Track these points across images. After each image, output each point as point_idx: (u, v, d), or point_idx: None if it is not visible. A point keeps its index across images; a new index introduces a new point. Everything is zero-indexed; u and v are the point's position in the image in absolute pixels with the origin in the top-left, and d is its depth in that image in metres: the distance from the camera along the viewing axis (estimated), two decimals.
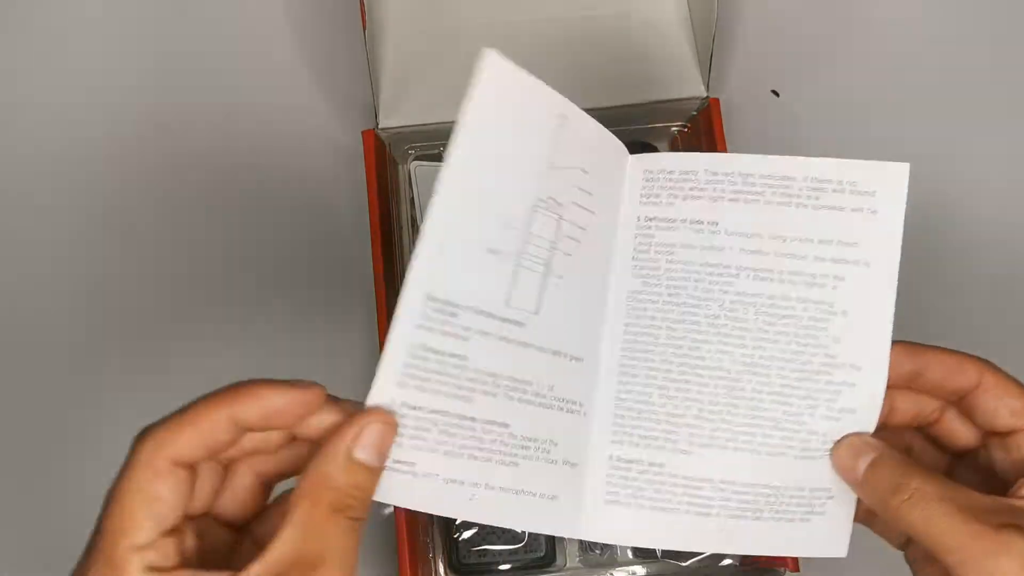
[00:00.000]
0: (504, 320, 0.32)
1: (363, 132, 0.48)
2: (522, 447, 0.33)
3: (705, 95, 0.49)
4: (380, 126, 0.48)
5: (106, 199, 0.53)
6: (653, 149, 0.51)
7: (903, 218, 0.33)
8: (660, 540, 0.37)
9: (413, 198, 0.51)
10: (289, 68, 0.54)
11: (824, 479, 0.34)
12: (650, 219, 0.36)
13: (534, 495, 0.34)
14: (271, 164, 0.53)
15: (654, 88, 0.49)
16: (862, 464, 0.33)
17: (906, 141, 0.53)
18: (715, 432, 0.34)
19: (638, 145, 0.50)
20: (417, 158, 0.51)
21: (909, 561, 0.34)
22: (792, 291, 0.34)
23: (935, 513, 0.29)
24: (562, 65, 0.49)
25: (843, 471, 0.33)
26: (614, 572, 0.46)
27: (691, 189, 0.35)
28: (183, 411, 0.28)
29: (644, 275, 0.35)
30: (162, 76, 0.54)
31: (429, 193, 0.31)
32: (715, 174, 0.35)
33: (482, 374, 0.32)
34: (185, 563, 0.27)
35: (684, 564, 0.45)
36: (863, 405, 0.33)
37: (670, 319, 0.35)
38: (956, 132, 0.54)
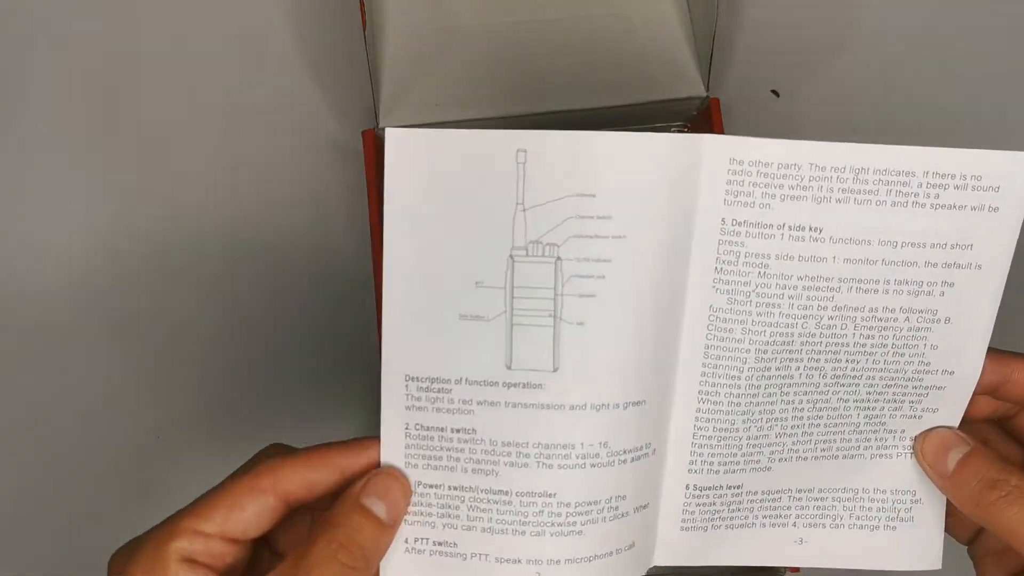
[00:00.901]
0: (510, 385, 0.30)
1: (363, 132, 0.47)
2: (581, 513, 0.31)
3: (705, 95, 0.48)
4: (380, 126, 0.48)
5: (101, 195, 0.53)
6: None
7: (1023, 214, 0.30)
8: (736, 557, 0.34)
9: None
10: (289, 68, 0.54)
11: (906, 480, 0.32)
12: (738, 223, 0.30)
13: (610, 554, 0.31)
14: (270, 163, 0.53)
15: (654, 88, 0.48)
16: (953, 458, 0.31)
17: (906, 141, 0.53)
18: (796, 445, 0.32)
19: None
20: None
21: (974, 557, 0.33)
22: (897, 302, 0.31)
23: None
24: (562, 65, 0.49)
25: (931, 464, 0.32)
26: None
27: (792, 188, 0.30)
28: (308, 452, 0.30)
29: (730, 291, 0.31)
30: (162, 76, 0.54)
31: None
32: (823, 168, 0.29)
33: (501, 445, 0.30)
34: (212, 564, 0.28)
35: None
36: (947, 405, 0.32)
37: (760, 341, 0.31)
38: (957, 132, 0.54)
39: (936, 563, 0.33)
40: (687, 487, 0.33)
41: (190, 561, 0.27)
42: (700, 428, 0.32)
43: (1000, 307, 0.31)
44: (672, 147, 0.29)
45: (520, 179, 0.29)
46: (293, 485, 0.29)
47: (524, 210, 0.29)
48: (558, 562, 0.31)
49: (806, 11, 0.56)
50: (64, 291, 0.51)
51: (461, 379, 0.30)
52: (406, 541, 0.31)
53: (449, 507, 0.30)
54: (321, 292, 0.52)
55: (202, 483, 0.30)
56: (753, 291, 0.31)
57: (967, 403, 0.32)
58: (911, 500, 0.33)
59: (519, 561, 0.30)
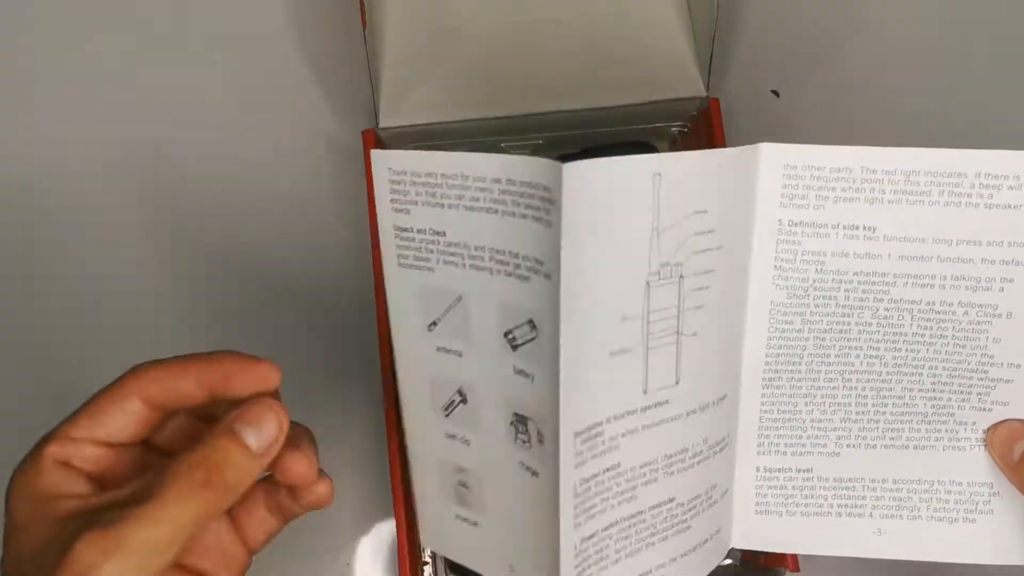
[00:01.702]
0: (646, 409, 0.30)
1: (363, 132, 0.47)
2: (690, 509, 0.32)
3: (705, 95, 0.48)
4: (380, 126, 0.48)
5: (105, 196, 0.53)
6: (653, 149, 0.51)
7: None
8: (814, 545, 0.35)
9: None
10: (289, 68, 0.54)
11: (983, 472, 0.33)
12: (795, 224, 0.32)
13: (706, 542, 0.33)
14: (271, 164, 0.53)
15: (654, 88, 0.48)
16: (1019, 448, 0.32)
17: (907, 141, 0.53)
18: (863, 432, 0.34)
19: (638, 145, 0.50)
20: None
21: None
22: (954, 296, 0.32)
23: None
24: (562, 65, 0.49)
25: (998, 454, 0.33)
26: None
27: (844, 190, 0.31)
28: (176, 359, 0.29)
29: (789, 286, 0.32)
30: (162, 76, 0.54)
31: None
32: (873, 171, 0.31)
33: (638, 469, 0.31)
34: (87, 468, 0.28)
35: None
36: (1018, 398, 0.33)
37: (817, 330, 0.33)
38: (956, 132, 0.54)
39: (1020, 558, 0.33)
40: (757, 469, 0.34)
41: (64, 464, 0.28)
42: (766, 411, 0.34)
43: None
44: (737, 157, 0.31)
45: (656, 203, 0.28)
46: (157, 390, 0.29)
47: (659, 233, 0.29)
48: (675, 560, 0.32)
49: (806, 11, 0.56)
50: (61, 313, 0.51)
51: (609, 418, 0.29)
52: None
53: (601, 551, 0.30)
54: (321, 292, 0.52)
55: None
56: (811, 286, 0.32)
57: None
58: (989, 492, 0.33)
59: (649, 572, 0.32)
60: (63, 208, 0.52)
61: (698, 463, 0.32)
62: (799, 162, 0.31)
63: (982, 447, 0.33)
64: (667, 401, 0.31)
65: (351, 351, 0.50)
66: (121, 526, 0.25)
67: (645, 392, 0.30)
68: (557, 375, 0.27)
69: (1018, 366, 0.33)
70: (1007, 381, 0.33)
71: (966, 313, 0.32)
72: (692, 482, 0.32)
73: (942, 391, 0.33)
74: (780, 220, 0.32)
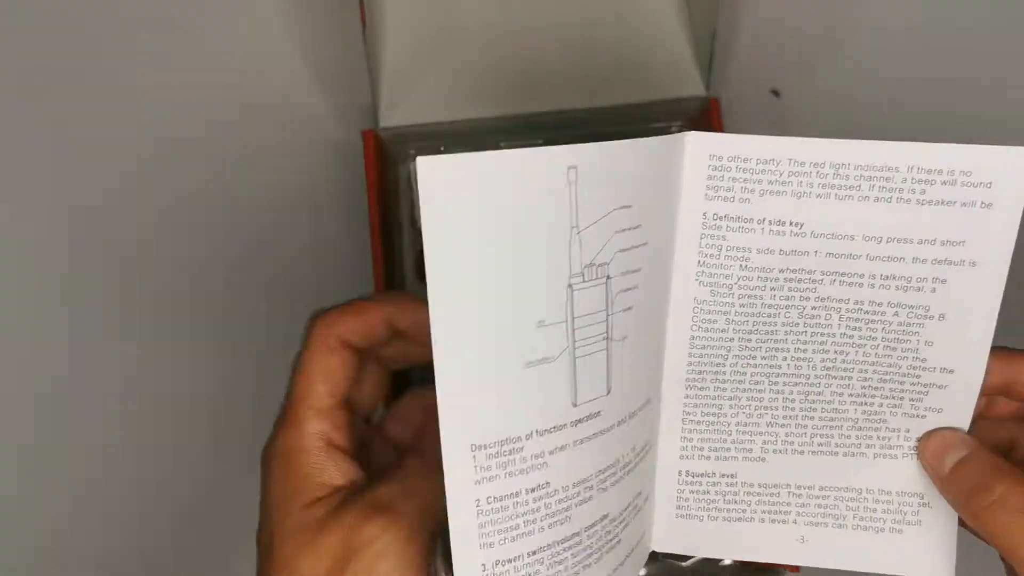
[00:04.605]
0: (577, 423, 0.28)
1: (363, 132, 0.47)
2: (621, 522, 0.31)
3: (705, 95, 0.48)
4: (380, 126, 0.48)
5: (105, 196, 0.53)
6: None
7: (1022, 211, 0.29)
8: (736, 551, 0.34)
9: (413, 198, 0.51)
10: (289, 68, 0.54)
11: (913, 482, 0.32)
12: (719, 217, 0.30)
13: (631, 552, 0.32)
14: (270, 164, 0.53)
15: (654, 88, 0.48)
16: (949, 460, 0.31)
17: (908, 140, 0.53)
18: (790, 437, 0.32)
19: None
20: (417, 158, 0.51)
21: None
22: (884, 296, 0.30)
23: (1014, 524, 0.28)
24: (562, 65, 0.49)
25: (930, 465, 0.32)
26: None
27: (771, 183, 0.29)
28: (350, 303, 0.32)
29: (713, 283, 0.31)
30: (162, 76, 0.54)
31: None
32: (801, 164, 0.29)
33: (571, 489, 0.28)
34: (345, 444, 0.31)
35: (684, 564, 0.45)
36: (953, 405, 0.31)
37: (742, 330, 0.31)
38: (957, 132, 0.54)
39: (947, 572, 0.32)
40: (680, 473, 0.33)
41: (327, 443, 0.31)
42: (688, 414, 0.32)
43: (1004, 306, 0.31)
44: (662, 147, 0.29)
45: (573, 199, 0.26)
46: (353, 334, 0.31)
47: (579, 232, 0.27)
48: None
49: (806, 11, 0.56)
50: (60, 298, 0.51)
51: (531, 432, 0.27)
52: None
53: (532, 572, 0.28)
54: (321, 292, 0.52)
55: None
56: (735, 283, 0.31)
57: (974, 403, 0.31)
58: (919, 503, 0.32)
59: None
60: (61, 208, 0.52)
61: (627, 473, 0.30)
62: (725, 152, 0.29)
63: (914, 456, 0.32)
64: (599, 413, 0.28)
65: None
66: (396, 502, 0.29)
67: (575, 405, 0.28)
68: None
69: (951, 371, 0.31)
70: (940, 387, 0.31)
71: (896, 314, 0.31)
72: (622, 494, 0.30)
73: (873, 396, 0.32)
74: (705, 213, 0.30)
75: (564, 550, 0.29)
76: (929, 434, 0.32)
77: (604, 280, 0.28)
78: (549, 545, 0.28)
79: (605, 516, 0.30)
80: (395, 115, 0.48)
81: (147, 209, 0.52)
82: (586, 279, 0.27)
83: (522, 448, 0.27)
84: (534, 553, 0.28)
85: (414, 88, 0.48)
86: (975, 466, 0.30)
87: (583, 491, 0.29)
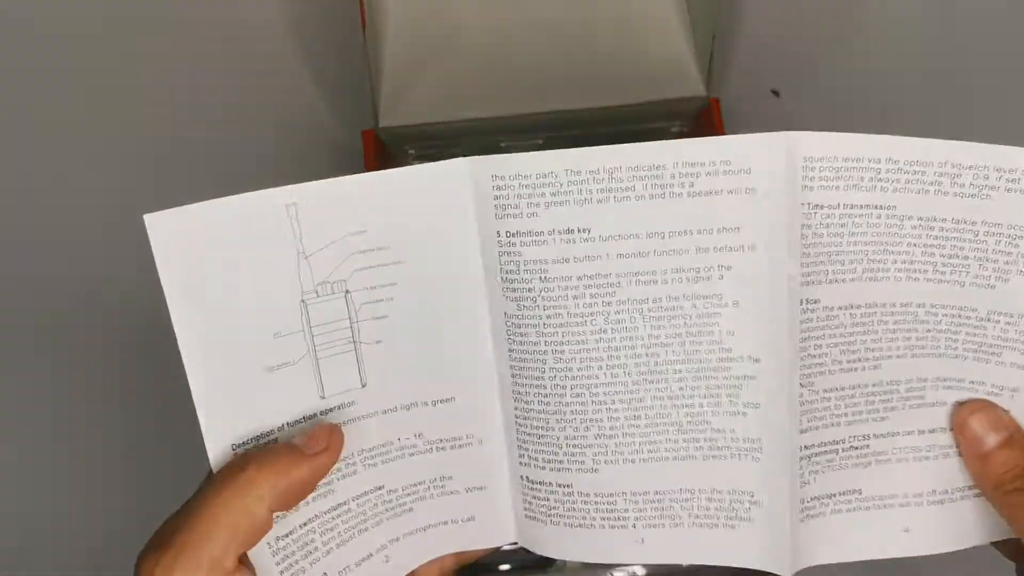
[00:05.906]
0: (327, 411, 0.32)
1: (363, 132, 0.48)
2: (409, 494, 0.34)
3: (705, 95, 0.48)
4: (380, 126, 0.48)
5: (104, 196, 0.53)
6: None
7: (796, 190, 0.30)
8: (581, 554, 0.35)
9: None
10: (289, 68, 0.54)
11: (744, 481, 0.33)
12: (512, 234, 0.32)
13: (445, 523, 0.35)
14: (271, 164, 0.53)
15: (654, 88, 0.48)
16: (992, 439, 0.31)
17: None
18: (619, 447, 0.33)
19: None
20: (417, 158, 0.51)
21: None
22: (678, 289, 0.31)
23: None
24: (562, 65, 0.49)
25: (968, 440, 0.32)
26: (614, 572, 0.46)
27: (553, 195, 0.31)
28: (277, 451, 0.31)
29: (517, 298, 0.32)
30: (162, 77, 0.54)
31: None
32: (577, 173, 0.31)
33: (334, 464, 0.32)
34: None
35: (684, 564, 0.45)
36: (767, 397, 0.32)
37: (554, 342, 0.32)
38: (957, 132, 0.54)
39: (782, 569, 0.33)
40: (522, 478, 0.34)
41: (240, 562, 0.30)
42: (520, 425, 0.34)
43: None
44: (434, 173, 0.31)
45: (296, 230, 0.30)
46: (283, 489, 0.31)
47: (307, 257, 0.31)
48: (397, 540, 0.34)
49: (806, 11, 0.56)
50: (64, 296, 0.51)
51: (283, 425, 0.31)
52: None
53: (305, 545, 0.32)
54: None
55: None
56: (539, 296, 0.32)
57: (795, 392, 0.32)
58: (749, 502, 0.33)
59: (370, 556, 0.33)
60: (61, 208, 0.52)
61: (408, 455, 0.34)
62: (505, 172, 0.31)
63: (743, 456, 0.32)
64: (354, 402, 0.33)
65: None
66: None
67: (323, 397, 0.32)
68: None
69: (757, 360, 0.32)
70: (751, 378, 0.32)
71: (694, 306, 0.31)
72: (405, 471, 0.34)
73: (692, 396, 0.32)
74: (499, 232, 0.32)
75: (334, 519, 0.32)
76: (967, 409, 0.32)
77: (343, 294, 0.32)
78: (317, 516, 0.32)
79: (379, 488, 0.33)
80: (395, 115, 0.48)
81: (147, 209, 0.52)
82: (320, 295, 0.31)
83: (276, 439, 0.31)
84: (305, 524, 0.32)
85: (414, 88, 0.49)
86: (1020, 448, 0.31)
87: (345, 466, 0.32)
